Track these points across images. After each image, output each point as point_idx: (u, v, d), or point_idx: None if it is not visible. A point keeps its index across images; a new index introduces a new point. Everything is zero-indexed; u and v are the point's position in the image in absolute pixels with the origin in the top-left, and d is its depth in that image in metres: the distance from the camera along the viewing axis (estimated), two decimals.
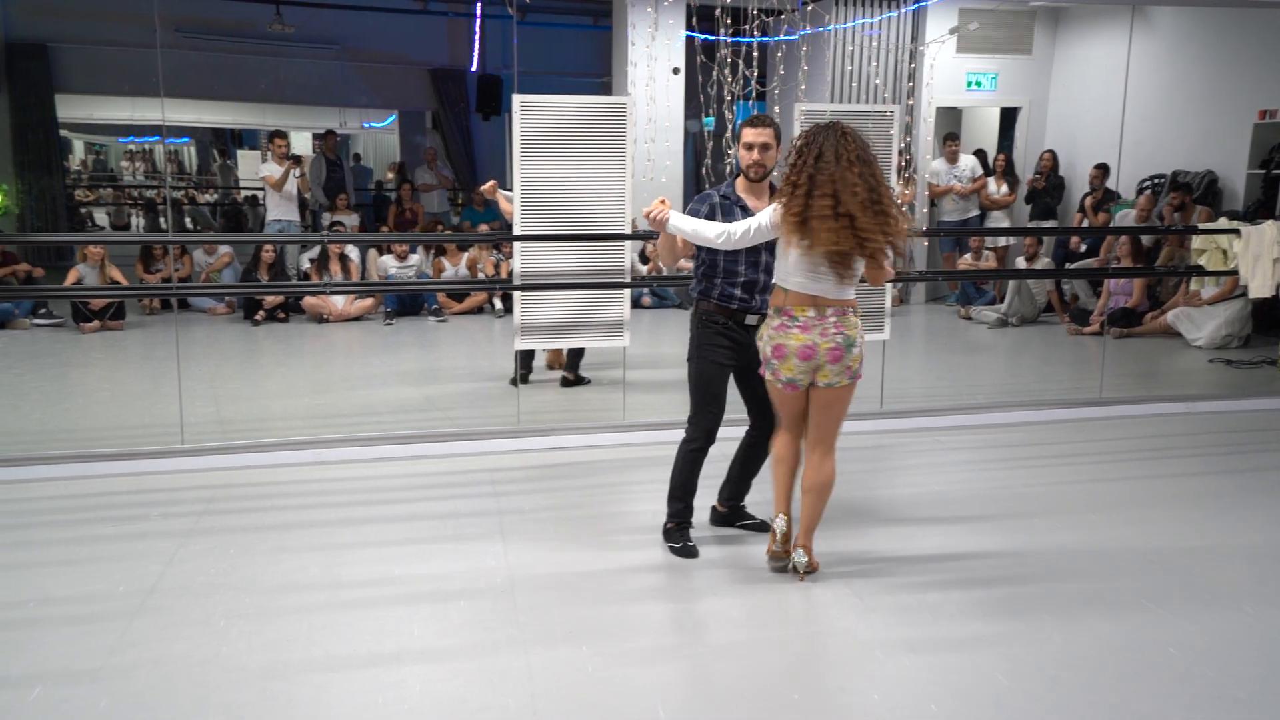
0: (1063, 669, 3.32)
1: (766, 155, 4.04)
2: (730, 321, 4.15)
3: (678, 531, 4.30)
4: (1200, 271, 8.05)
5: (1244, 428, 6.29)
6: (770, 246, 4.00)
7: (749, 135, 4.05)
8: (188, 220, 15.62)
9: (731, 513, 4.54)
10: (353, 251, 10.28)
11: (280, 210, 10.36)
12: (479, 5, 12.20)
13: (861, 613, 3.73)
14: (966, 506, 4.88)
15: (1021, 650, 3.45)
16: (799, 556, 3.96)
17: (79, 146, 18.27)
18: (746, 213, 4.06)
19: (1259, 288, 6.84)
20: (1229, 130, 9.76)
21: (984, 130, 12.52)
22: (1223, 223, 7.54)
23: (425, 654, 3.38)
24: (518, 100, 5.60)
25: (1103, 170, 10.48)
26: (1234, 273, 7.08)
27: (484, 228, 11.44)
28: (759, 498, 4.58)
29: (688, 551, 4.23)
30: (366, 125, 17.48)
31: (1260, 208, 9.13)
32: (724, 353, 4.16)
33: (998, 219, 11.11)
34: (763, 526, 4.43)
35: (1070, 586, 3.95)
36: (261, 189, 11.20)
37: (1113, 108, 9.44)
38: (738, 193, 4.14)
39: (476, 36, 13.28)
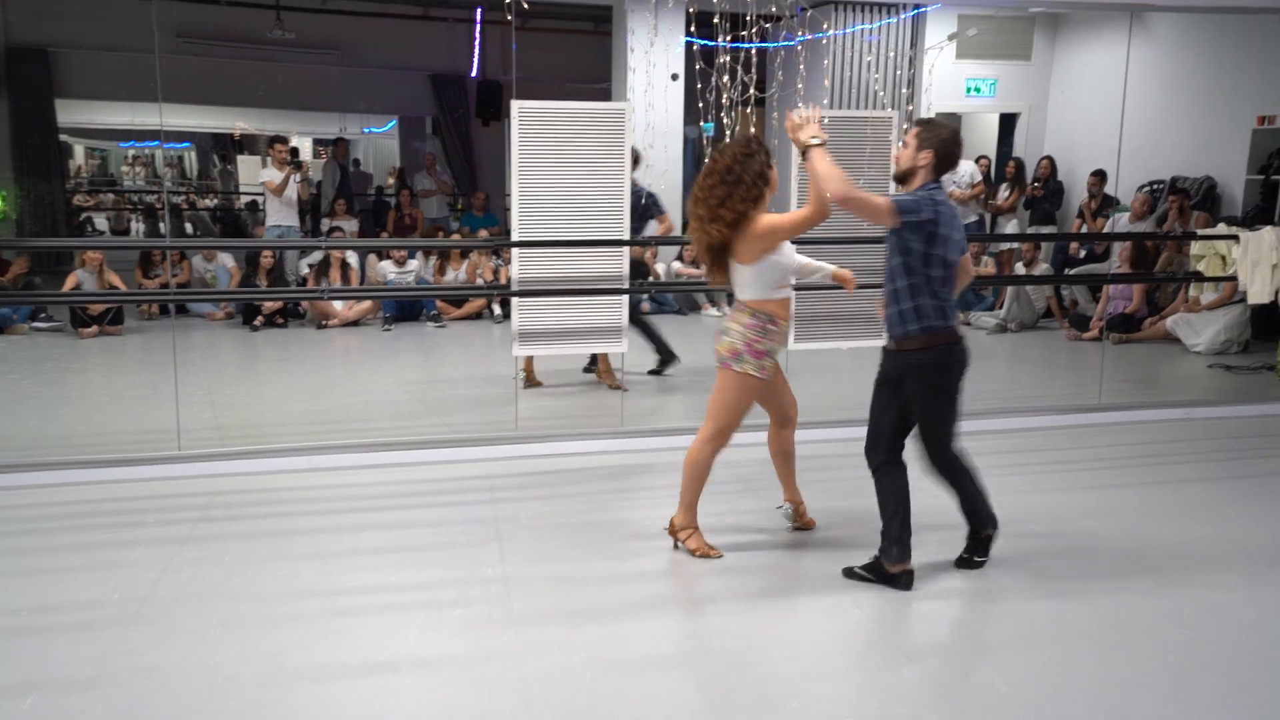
0: (1060, 678, 3.30)
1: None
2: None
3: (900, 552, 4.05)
4: (1199, 277, 8.03)
5: (1244, 433, 6.28)
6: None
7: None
8: (188, 225, 15.62)
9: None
10: (352, 257, 10.28)
11: (280, 216, 10.35)
12: (479, 11, 12.20)
13: (860, 622, 3.71)
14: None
15: (1016, 659, 3.44)
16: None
17: (79, 151, 18.30)
18: (956, 231, 3.96)
19: (1258, 293, 6.82)
20: (1227, 136, 9.75)
21: (984, 136, 12.52)
22: (1221, 228, 7.53)
23: (419, 662, 3.37)
24: (516, 106, 5.60)
25: (1099, 177, 10.48)
26: (1233, 278, 7.07)
27: (483, 233, 11.44)
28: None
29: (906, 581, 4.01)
30: (367, 130, 17.50)
31: (1259, 213, 9.12)
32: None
33: (1002, 225, 11.12)
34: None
35: (1072, 595, 3.94)
36: (262, 194, 11.20)
37: (1112, 114, 9.44)
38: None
39: (477, 42, 13.30)
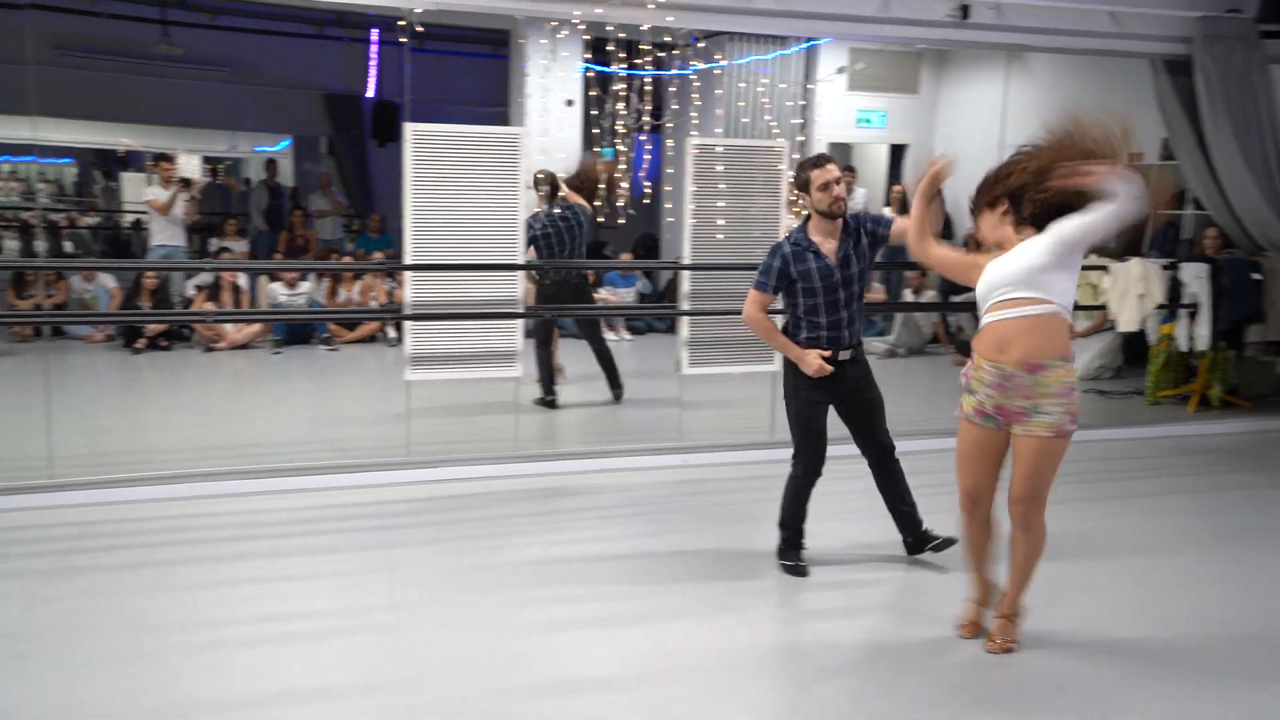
0: (950, 694, 3.39)
1: (843, 188, 4.15)
2: (828, 360, 4.21)
3: (788, 550, 4.41)
4: (1076, 307, 8.38)
5: (1115, 455, 6.55)
6: (852, 289, 4.21)
7: (821, 175, 4.12)
8: (67, 244, 15.00)
9: (916, 541, 4.52)
10: (242, 278, 10.02)
11: (165, 235, 10.05)
12: (375, 31, 12.09)
13: (750, 640, 3.75)
14: (852, 534, 4.96)
15: (899, 679, 3.51)
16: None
17: None
18: (819, 258, 4.17)
19: (1127, 322, 7.15)
20: None
21: (874, 166, 12.88)
22: (1091, 260, 7.87)
23: (304, 694, 3.29)
24: (409, 129, 5.56)
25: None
26: (1104, 308, 7.39)
27: (378, 255, 11.28)
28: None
29: (798, 570, 4.35)
30: (258, 149, 17.14)
31: (1128, 246, 9.56)
32: (819, 390, 4.24)
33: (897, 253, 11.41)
34: (949, 542, 4.42)
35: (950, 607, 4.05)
36: (146, 212, 10.84)
37: (993, 147, 9.81)
38: (809, 237, 4.22)
39: (373, 62, 13.16)
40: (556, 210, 7.33)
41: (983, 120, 11.06)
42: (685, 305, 6.17)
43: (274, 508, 5.09)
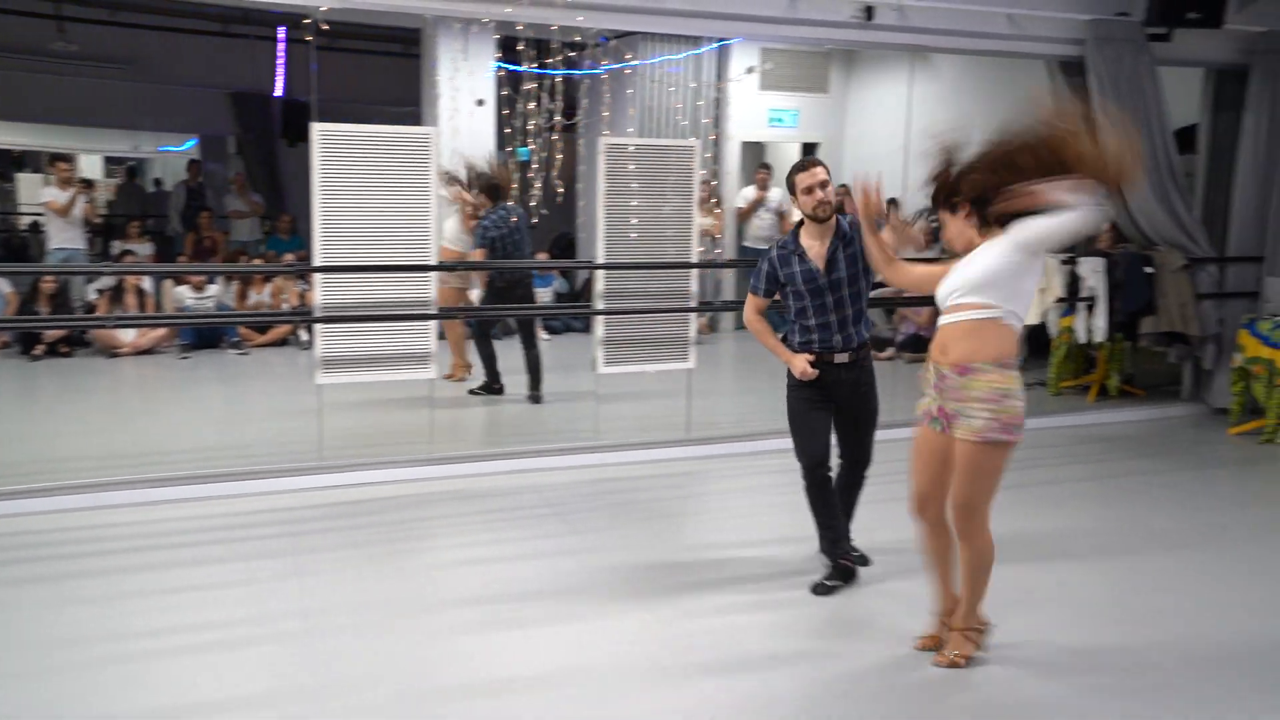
0: (854, 684, 3.47)
1: (828, 191, 4.08)
2: (819, 363, 4.17)
3: (826, 555, 4.31)
4: None
5: (1026, 445, 6.73)
6: (841, 293, 4.12)
7: (805, 179, 4.08)
8: None
9: (829, 551, 4.37)
10: (146, 281, 9.75)
11: (64, 238, 9.73)
12: (282, 29, 11.84)
13: (663, 640, 3.79)
14: (768, 529, 5.05)
15: (811, 668, 3.59)
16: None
17: None
18: (803, 261, 4.14)
19: (1029, 315, 7.35)
20: None
21: (787, 164, 13.04)
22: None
23: (213, 706, 3.24)
24: (316, 129, 5.48)
25: (892, 205, 11.07)
26: None
27: (289, 257, 11.08)
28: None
29: (835, 578, 4.26)
30: (162, 149, 16.69)
31: None
32: (808, 389, 4.20)
33: None
34: (862, 560, 4.40)
35: (867, 601, 4.14)
36: (43, 214, 10.49)
37: (899, 145, 10.02)
38: (799, 240, 4.18)
39: (280, 61, 12.89)
40: (503, 211, 7.47)
41: (890, 118, 11.30)
42: (600, 304, 6.20)
43: (182, 516, 4.98)
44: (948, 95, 10.90)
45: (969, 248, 3.52)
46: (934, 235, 8.21)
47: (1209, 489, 5.96)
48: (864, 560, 4.44)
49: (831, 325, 4.18)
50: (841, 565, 4.28)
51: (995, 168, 3.40)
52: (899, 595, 4.20)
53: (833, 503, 4.28)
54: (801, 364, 4.16)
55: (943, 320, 3.52)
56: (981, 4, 6.63)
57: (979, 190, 3.43)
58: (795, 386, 4.27)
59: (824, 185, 4.08)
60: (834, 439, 4.33)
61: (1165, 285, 7.23)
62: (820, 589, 4.23)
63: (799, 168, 4.15)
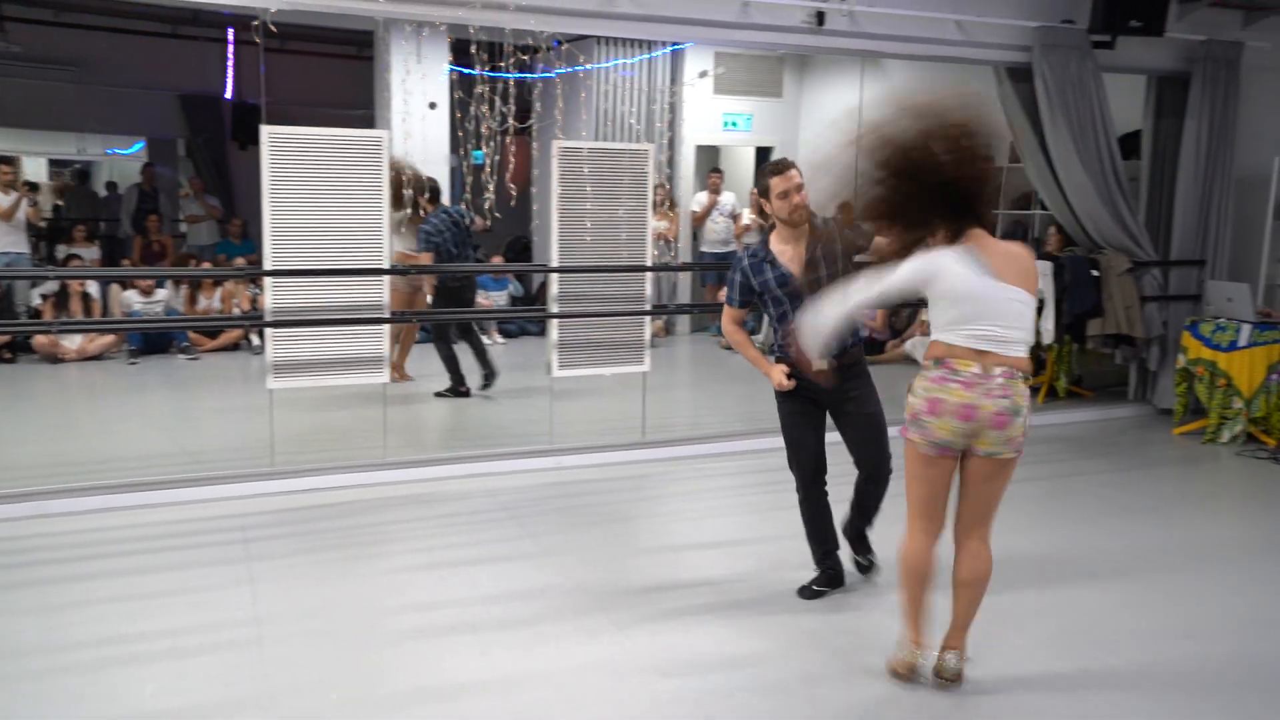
0: (808, 686, 3.50)
1: (804, 195, 3.95)
2: (799, 372, 3.99)
3: (823, 560, 4.24)
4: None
5: None
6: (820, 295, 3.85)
7: (780, 184, 3.93)
8: None
9: (852, 542, 4.33)
10: (93, 286, 9.59)
11: (8, 241, 9.54)
12: (230, 31, 11.70)
13: (617, 643, 3.79)
14: (724, 531, 5.07)
15: (769, 670, 3.61)
16: (951, 661, 3.46)
17: None
18: (775, 268, 4.01)
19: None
20: None
21: (742, 168, 13.11)
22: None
23: (159, 715, 3.19)
24: (266, 131, 5.43)
25: (844, 209, 11.17)
26: None
27: (240, 261, 10.95)
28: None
29: (804, 592, 4.21)
30: (110, 152, 16.40)
31: None
32: (791, 400, 4.09)
33: None
34: (866, 569, 4.32)
35: (821, 607, 4.17)
36: None
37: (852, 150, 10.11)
38: (768, 247, 4.05)
39: (230, 63, 12.74)
40: (444, 215, 7.57)
41: (842, 122, 11.37)
42: (554, 308, 6.19)
43: (131, 523, 4.91)
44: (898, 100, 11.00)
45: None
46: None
47: (1154, 489, 6.07)
48: (867, 568, 4.32)
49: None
50: (829, 572, 4.24)
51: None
52: (859, 606, 4.24)
53: (822, 517, 4.21)
54: (778, 376, 4.01)
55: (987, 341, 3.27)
56: (931, 10, 6.71)
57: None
58: (781, 398, 4.13)
59: (799, 189, 3.94)
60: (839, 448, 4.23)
61: (1111, 288, 7.37)
62: (806, 592, 4.21)
63: (773, 170, 3.98)
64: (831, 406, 4.10)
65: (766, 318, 4.23)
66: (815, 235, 4.02)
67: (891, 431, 3.90)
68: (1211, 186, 7.49)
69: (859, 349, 4.12)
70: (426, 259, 7.41)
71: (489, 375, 7.81)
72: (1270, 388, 6.85)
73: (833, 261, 3.99)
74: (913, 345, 9.73)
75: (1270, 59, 7.57)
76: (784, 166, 3.99)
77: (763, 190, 4.02)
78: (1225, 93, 7.41)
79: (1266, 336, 6.83)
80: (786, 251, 4.03)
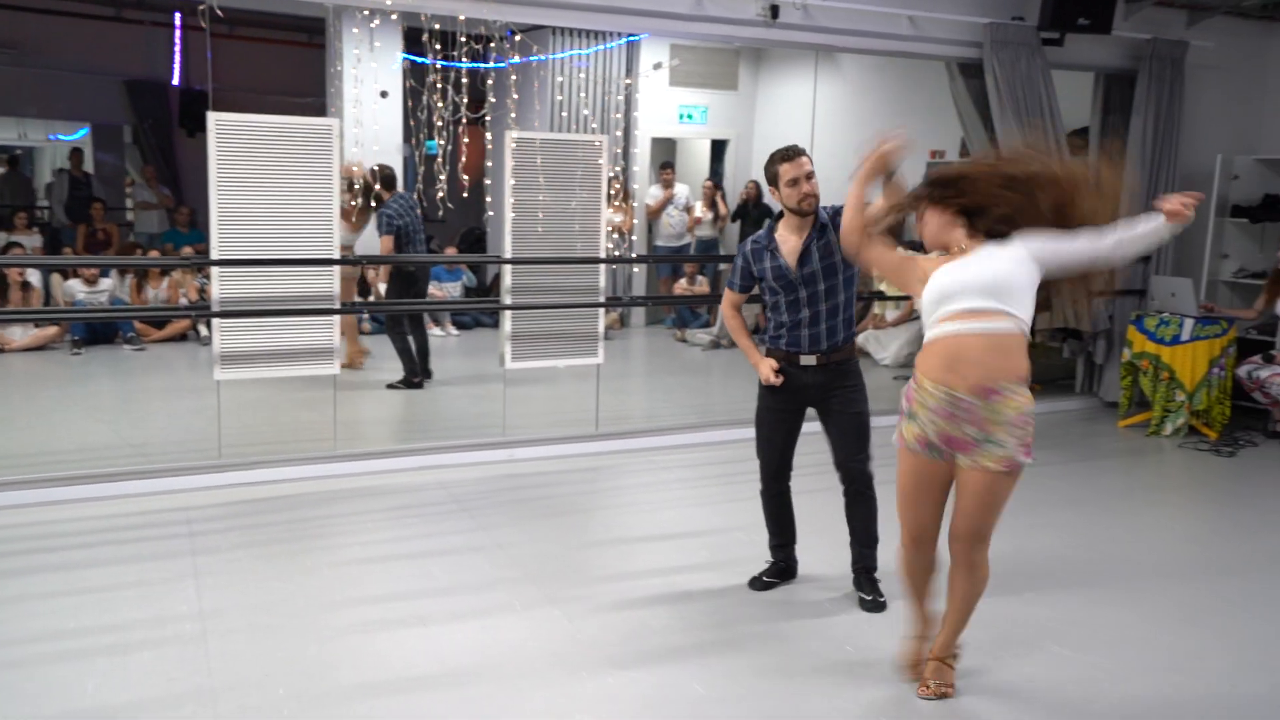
0: (757, 678, 3.51)
1: (814, 183, 3.86)
2: (786, 364, 4.00)
3: (776, 551, 4.27)
4: (883, 297, 8.79)
5: None
6: (815, 288, 3.89)
7: (790, 170, 3.83)
8: None
9: (857, 578, 4.17)
10: (33, 275, 9.38)
11: None
12: (178, 15, 11.49)
13: (568, 634, 3.79)
14: (675, 523, 5.08)
15: (717, 661, 3.62)
16: (929, 670, 3.40)
17: None
18: (774, 257, 3.94)
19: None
20: (907, 168, 10.71)
21: (697, 160, 13.13)
22: (900, 252, 8.26)
23: (100, 712, 3.13)
24: (213, 118, 5.34)
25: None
26: (909, 297, 7.77)
27: (188, 250, 10.77)
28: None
29: (753, 583, 4.21)
30: (53, 137, 16.04)
31: None
32: (771, 396, 4.06)
33: (711, 245, 11.67)
34: (870, 605, 4.05)
35: (772, 600, 4.19)
36: None
37: (805, 141, 10.17)
38: (773, 235, 3.98)
39: (178, 48, 12.52)
40: (402, 201, 7.58)
41: (797, 115, 11.46)
42: (507, 299, 6.16)
43: (73, 517, 4.81)
44: (850, 94, 11.11)
45: (938, 246, 3.32)
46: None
47: (1098, 480, 6.17)
48: (872, 607, 4.03)
49: (801, 323, 3.94)
50: (780, 564, 4.26)
51: (1015, 188, 3.20)
52: (813, 600, 4.26)
53: (781, 516, 4.23)
54: (766, 370, 3.97)
55: (948, 330, 3.14)
56: (884, 5, 6.76)
57: (1000, 205, 3.19)
58: (762, 392, 4.10)
59: (810, 176, 3.84)
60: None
61: (1058, 283, 7.46)
62: (756, 584, 4.22)
63: (782, 156, 3.87)
64: (818, 404, 4.05)
65: (763, 305, 4.20)
66: (816, 227, 3.92)
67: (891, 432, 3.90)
68: (1157, 182, 7.62)
69: (850, 346, 4.05)
70: (387, 242, 7.38)
71: (424, 374, 7.76)
72: (1212, 381, 7.00)
73: (827, 254, 3.90)
74: (865, 338, 9.80)
75: (1214, 58, 7.73)
76: (794, 153, 3.87)
77: (771, 177, 3.93)
78: (1170, 90, 7.55)
79: (1208, 331, 6.98)
80: (790, 241, 3.95)
